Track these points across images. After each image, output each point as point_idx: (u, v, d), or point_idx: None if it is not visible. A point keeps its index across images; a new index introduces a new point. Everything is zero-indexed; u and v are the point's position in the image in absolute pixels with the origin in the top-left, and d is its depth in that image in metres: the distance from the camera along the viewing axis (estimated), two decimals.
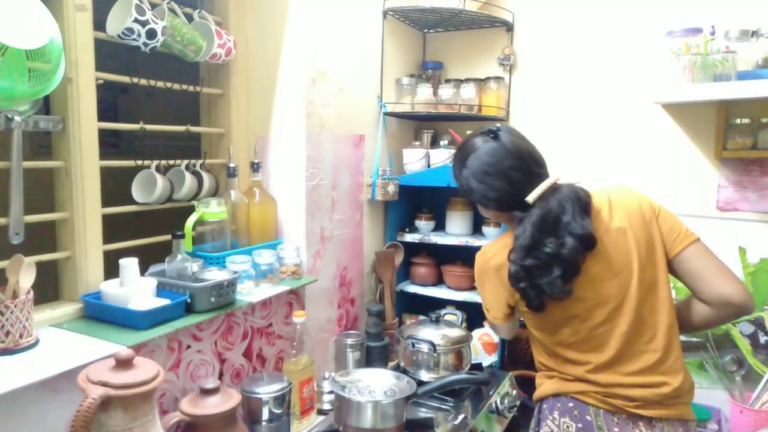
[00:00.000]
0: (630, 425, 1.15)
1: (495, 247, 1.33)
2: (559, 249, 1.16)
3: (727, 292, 1.18)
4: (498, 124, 1.31)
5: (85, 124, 1.31)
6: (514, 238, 1.23)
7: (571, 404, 1.21)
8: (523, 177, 1.25)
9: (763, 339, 1.96)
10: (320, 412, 1.66)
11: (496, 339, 2.05)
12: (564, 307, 1.20)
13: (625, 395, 1.16)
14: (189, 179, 1.57)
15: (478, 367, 1.89)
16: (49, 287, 1.35)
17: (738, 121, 1.92)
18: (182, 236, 1.44)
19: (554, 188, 1.24)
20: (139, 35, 1.35)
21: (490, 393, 1.75)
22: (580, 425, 1.17)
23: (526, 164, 1.26)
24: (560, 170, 1.33)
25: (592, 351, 1.21)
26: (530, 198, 1.22)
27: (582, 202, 1.21)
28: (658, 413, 1.15)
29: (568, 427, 1.19)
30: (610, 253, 1.20)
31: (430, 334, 1.74)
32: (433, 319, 1.83)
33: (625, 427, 1.15)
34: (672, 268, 1.24)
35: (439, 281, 2.27)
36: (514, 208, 1.26)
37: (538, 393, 1.32)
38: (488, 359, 2.03)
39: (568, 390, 1.21)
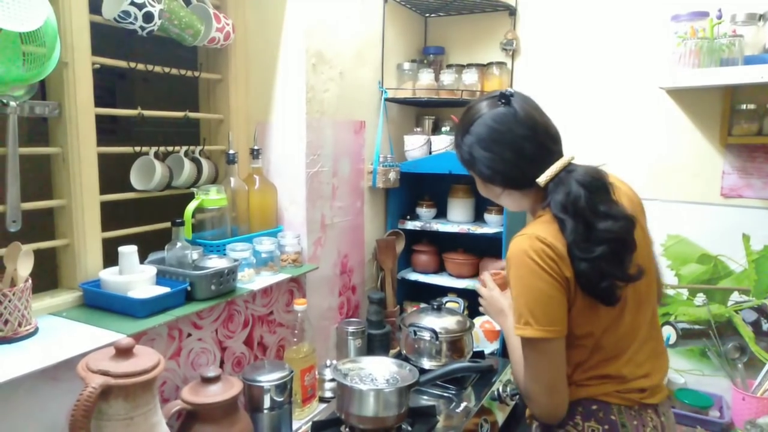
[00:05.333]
0: (643, 415, 1.12)
1: (545, 229, 1.08)
2: (613, 233, 1.04)
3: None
4: (511, 89, 1.16)
5: (81, 110, 1.29)
6: (561, 231, 1.06)
7: (594, 407, 1.12)
8: (535, 152, 1.11)
9: (765, 326, 1.95)
10: (322, 399, 1.65)
11: (497, 326, 2.04)
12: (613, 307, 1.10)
13: (639, 387, 1.13)
14: (188, 166, 1.55)
15: (480, 354, 1.88)
16: (47, 275, 1.34)
17: (743, 106, 1.90)
18: (182, 224, 1.43)
19: (569, 170, 1.11)
20: (135, 18, 1.32)
21: (493, 380, 1.75)
22: (606, 427, 1.10)
23: (539, 138, 1.12)
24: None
25: (624, 348, 1.13)
26: (542, 179, 1.10)
27: (604, 185, 1.09)
28: (657, 399, 1.15)
29: (593, 430, 1.11)
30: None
31: (432, 322, 1.73)
32: (435, 306, 1.82)
33: (640, 418, 1.12)
34: None
35: (440, 269, 2.26)
36: (522, 186, 1.14)
37: None
38: (490, 347, 2.03)
39: (592, 394, 1.12)
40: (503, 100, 1.13)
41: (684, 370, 2.09)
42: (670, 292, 2.08)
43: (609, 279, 1.04)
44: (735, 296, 2.00)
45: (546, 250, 1.04)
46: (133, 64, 1.42)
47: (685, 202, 2.05)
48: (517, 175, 1.14)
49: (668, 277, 2.08)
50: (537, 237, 1.06)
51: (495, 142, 1.12)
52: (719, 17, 1.81)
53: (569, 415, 1.14)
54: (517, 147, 1.12)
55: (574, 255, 1.04)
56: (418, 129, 2.30)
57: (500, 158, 1.12)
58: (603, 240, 1.03)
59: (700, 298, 2.05)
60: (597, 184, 1.08)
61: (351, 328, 1.82)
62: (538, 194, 1.14)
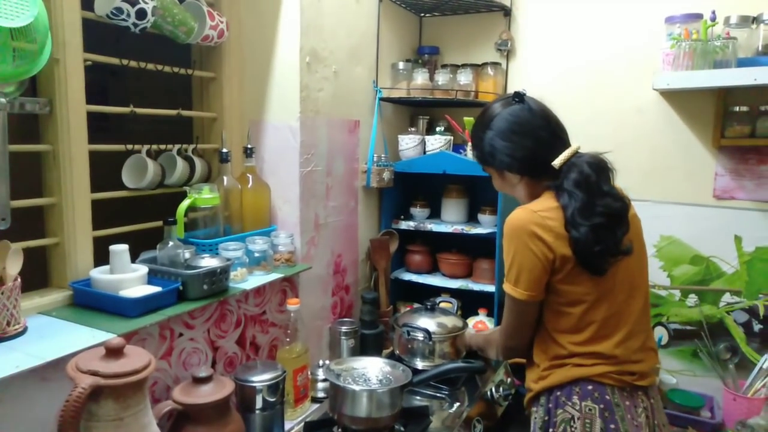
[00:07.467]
0: (635, 396, 1.22)
1: (543, 205, 1.24)
2: (611, 209, 1.19)
3: None
4: (521, 89, 1.32)
5: (73, 107, 1.28)
6: (562, 207, 1.20)
7: (590, 387, 1.22)
8: (550, 139, 1.27)
9: (756, 327, 1.97)
10: (314, 400, 1.65)
11: (491, 326, 2.04)
12: (601, 280, 1.22)
13: (630, 370, 1.23)
14: (181, 164, 1.54)
15: (473, 355, 1.88)
16: (37, 274, 1.32)
17: (736, 108, 1.90)
18: (174, 222, 1.42)
19: (579, 156, 1.26)
20: (128, 15, 1.31)
21: (486, 381, 1.74)
22: (601, 406, 1.20)
23: (552, 127, 1.28)
24: None
25: (615, 327, 1.24)
26: (557, 162, 1.24)
27: (608, 169, 1.25)
28: (647, 382, 1.25)
29: (590, 409, 1.20)
30: (631, 229, 1.25)
31: (426, 322, 1.73)
32: (428, 306, 1.81)
33: (632, 399, 1.22)
34: None
35: (433, 269, 2.26)
36: (538, 171, 1.27)
37: (547, 383, 1.27)
38: None
39: (588, 374, 1.22)
40: (517, 99, 1.30)
41: (675, 371, 2.10)
42: (662, 293, 2.09)
43: (602, 245, 1.17)
44: (727, 297, 2.01)
45: (537, 221, 1.20)
46: (125, 61, 1.41)
47: (677, 204, 2.06)
48: (535, 161, 1.27)
49: (660, 277, 2.09)
50: (532, 210, 1.23)
51: (515, 133, 1.28)
52: (713, 19, 1.82)
53: (567, 396, 1.23)
54: (535, 135, 1.27)
55: (575, 222, 1.18)
56: (413, 129, 2.30)
57: (521, 146, 1.27)
58: (602, 213, 1.19)
59: (692, 299, 2.06)
60: (603, 166, 1.25)
61: (344, 328, 1.82)
62: (548, 182, 1.27)
